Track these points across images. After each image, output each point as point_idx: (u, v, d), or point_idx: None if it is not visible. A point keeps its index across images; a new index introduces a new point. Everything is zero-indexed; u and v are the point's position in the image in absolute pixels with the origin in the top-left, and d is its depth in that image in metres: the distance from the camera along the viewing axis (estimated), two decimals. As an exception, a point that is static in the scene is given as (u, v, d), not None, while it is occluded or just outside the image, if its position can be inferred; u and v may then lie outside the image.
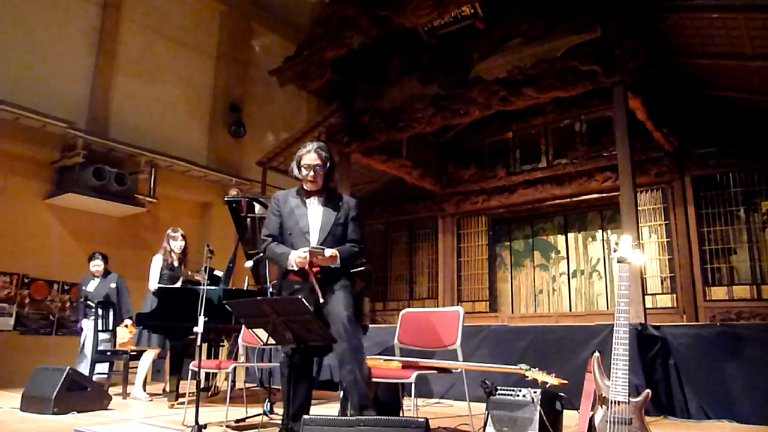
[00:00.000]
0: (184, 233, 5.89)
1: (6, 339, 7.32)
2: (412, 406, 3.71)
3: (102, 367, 5.85)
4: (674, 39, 6.26)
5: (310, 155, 3.16)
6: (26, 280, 7.63)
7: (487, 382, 3.17)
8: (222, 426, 3.78)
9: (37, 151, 7.78)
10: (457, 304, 8.91)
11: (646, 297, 6.45)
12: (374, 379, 3.18)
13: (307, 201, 3.22)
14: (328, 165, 3.21)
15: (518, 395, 3.07)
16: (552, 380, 3.05)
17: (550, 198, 8.62)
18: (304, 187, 3.24)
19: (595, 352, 2.67)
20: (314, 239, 3.12)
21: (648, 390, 2.53)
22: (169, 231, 5.90)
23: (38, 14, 8.02)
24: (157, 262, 5.67)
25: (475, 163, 9.39)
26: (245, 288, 5.89)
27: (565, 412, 3.20)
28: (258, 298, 3.03)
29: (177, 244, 5.77)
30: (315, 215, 3.19)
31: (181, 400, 4.81)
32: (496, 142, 9.39)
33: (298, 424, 2.62)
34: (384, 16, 6.77)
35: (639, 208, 7.08)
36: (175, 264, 5.74)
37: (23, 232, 7.63)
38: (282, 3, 11.25)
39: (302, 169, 3.19)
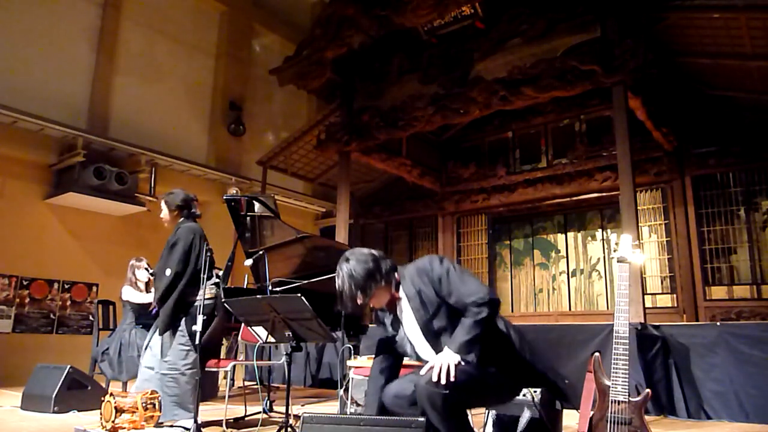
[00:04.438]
0: (148, 263, 5.41)
1: (5, 340, 7.32)
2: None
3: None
4: (674, 39, 6.26)
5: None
6: (25, 282, 7.63)
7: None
8: (221, 425, 3.78)
9: (36, 154, 7.76)
10: (457, 304, 8.90)
11: (646, 297, 6.45)
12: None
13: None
14: (367, 289, 2.39)
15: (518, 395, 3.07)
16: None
17: (550, 197, 8.63)
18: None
19: (595, 352, 2.67)
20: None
21: (648, 389, 2.53)
22: (133, 261, 5.50)
23: (39, 14, 8.01)
24: (128, 290, 5.45)
25: (475, 162, 9.39)
26: (245, 286, 5.88)
27: (565, 412, 3.20)
28: (258, 296, 3.04)
29: (142, 274, 5.44)
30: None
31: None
32: (496, 141, 9.39)
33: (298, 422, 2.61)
34: (384, 16, 6.77)
35: (639, 207, 7.07)
36: (144, 293, 5.48)
37: (23, 233, 7.62)
38: (282, 3, 11.25)
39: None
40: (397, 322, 2.50)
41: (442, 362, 2.18)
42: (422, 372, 2.25)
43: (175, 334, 3.70)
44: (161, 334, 3.70)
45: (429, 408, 2.16)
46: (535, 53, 6.18)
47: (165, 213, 3.97)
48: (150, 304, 5.34)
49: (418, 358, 2.46)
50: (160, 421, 3.64)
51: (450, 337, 2.31)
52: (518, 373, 2.47)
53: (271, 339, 3.03)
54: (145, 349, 3.85)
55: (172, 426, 3.68)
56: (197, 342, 3.41)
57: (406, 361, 2.68)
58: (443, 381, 2.13)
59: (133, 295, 5.46)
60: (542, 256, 9.19)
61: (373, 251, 2.46)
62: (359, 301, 2.36)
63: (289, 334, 2.90)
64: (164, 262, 3.77)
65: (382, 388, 2.48)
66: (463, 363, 2.21)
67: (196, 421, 3.26)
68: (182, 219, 3.95)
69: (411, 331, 2.46)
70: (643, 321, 4.97)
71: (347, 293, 2.35)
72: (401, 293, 2.45)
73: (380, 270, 2.39)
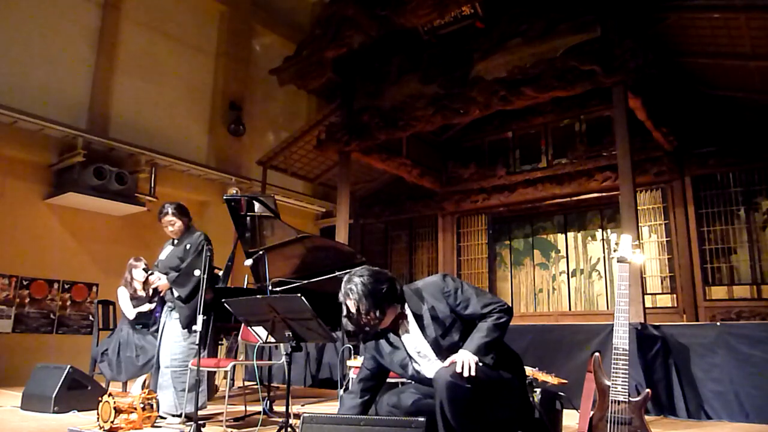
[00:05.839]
0: (146, 263, 5.33)
1: (5, 340, 7.31)
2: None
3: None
4: (674, 39, 6.26)
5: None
6: (25, 282, 7.63)
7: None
8: (221, 425, 3.78)
9: (36, 154, 7.76)
10: (457, 304, 8.90)
11: (645, 297, 6.45)
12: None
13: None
14: (385, 309, 2.36)
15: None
16: (552, 380, 3.05)
17: (549, 197, 8.63)
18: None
19: (595, 352, 2.67)
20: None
21: (648, 389, 2.53)
22: (132, 260, 5.52)
23: (39, 14, 8.01)
24: (123, 294, 5.45)
25: (475, 162, 9.39)
26: (245, 286, 5.89)
27: (565, 412, 3.20)
28: (258, 296, 3.04)
29: (139, 274, 5.41)
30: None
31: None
32: (496, 141, 9.40)
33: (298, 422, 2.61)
34: (384, 16, 6.77)
35: (639, 207, 7.08)
36: (140, 294, 5.46)
37: (23, 233, 7.61)
38: (282, 3, 11.25)
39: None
40: (396, 342, 2.46)
41: (464, 359, 2.16)
42: (445, 364, 2.23)
43: (190, 332, 3.95)
44: (186, 327, 3.93)
45: (449, 401, 2.13)
46: (535, 53, 6.18)
47: (179, 225, 4.20)
48: (140, 314, 5.35)
49: (419, 379, 2.43)
50: (164, 412, 3.79)
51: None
52: (524, 388, 2.47)
53: (271, 339, 3.03)
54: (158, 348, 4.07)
55: (167, 416, 3.84)
56: (200, 342, 3.50)
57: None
58: (466, 374, 2.12)
59: (124, 302, 5.43)
60: (542, 256, 9.19)
61: (383, 270, 2.45)
62: (374, 322, 2.33)
63: (289, 334, 2.90)
64: (192, 263, 4.02)
65: (364, 404, 2.46)
66: (480, 364, 2.20)
67: (196, 421, 3.26)
68: (190, 227, 4.25)
69: (416, 349, 2.42)
70: (643, 321, 4.97)
71: (363, 312, 2.31)
72: (407, 311, 2.43)
73: (395, 290, 2.38)
